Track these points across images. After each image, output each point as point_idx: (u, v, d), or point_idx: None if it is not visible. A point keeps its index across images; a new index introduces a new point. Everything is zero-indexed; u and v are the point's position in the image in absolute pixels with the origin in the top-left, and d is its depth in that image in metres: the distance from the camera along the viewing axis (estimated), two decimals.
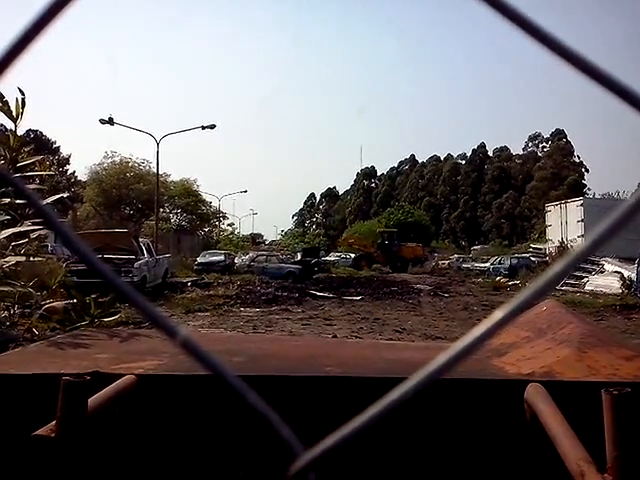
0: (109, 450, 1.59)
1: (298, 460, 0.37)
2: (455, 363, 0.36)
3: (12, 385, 1.64)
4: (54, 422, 1.24)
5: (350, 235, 48.05)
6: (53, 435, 1.22)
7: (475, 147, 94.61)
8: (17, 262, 3.21)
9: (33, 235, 3.34)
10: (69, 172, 56.32)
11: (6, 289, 3.15)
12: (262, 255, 32.83)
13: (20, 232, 3.28)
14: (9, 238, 3.30)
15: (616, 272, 21.24)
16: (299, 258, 33.25)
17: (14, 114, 3.21)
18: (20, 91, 3.22)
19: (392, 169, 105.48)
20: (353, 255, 41.59)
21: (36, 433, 1.23)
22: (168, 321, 0.39)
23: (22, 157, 3.36)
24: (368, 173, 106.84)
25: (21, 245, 3.48)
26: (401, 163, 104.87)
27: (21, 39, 0.38)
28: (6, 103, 3.17)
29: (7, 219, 3.22)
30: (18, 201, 3.08)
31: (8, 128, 3.41)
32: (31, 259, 3.43)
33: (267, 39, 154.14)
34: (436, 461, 1.65)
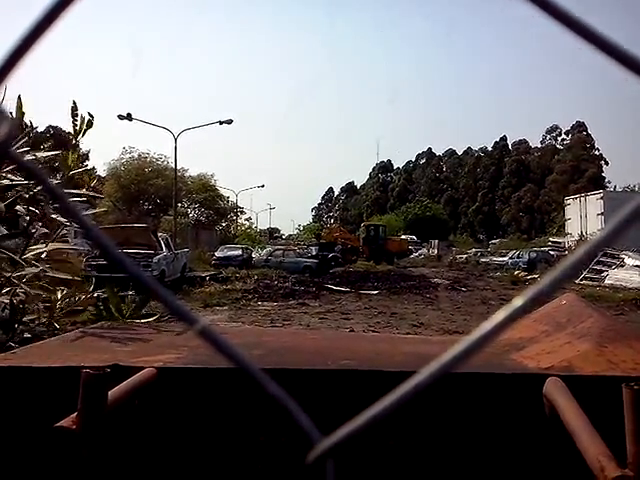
0: (129, 442, 1.61)
1: (316, 447, 0.37)
2: (472, 353, 0.36)
3: (34, 377, 1.67)
4: (75, 414, 1.26)
5: (334, 229, 47.73)
6: (74, 427, 1.24)
7: (497, 139, 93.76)
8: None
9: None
10: (88, 167, 56.93)
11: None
12: (279, 249, 32.89)
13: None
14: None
15: (636, 266, 20.95)
16: (314, 253, 33.22)
17: (77, 129, 3.22)
18: (90, 115, 3.26)
19: (409, 162, 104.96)
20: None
21: (58, 425, 1.25)
22: (188, 311, 0.40)
23: (80, 177, 3.37)
24: (384, 167, 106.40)
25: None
26: (418, 156, 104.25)
27: (28, 36, 0.39)
28: (76, 115, 3.18)
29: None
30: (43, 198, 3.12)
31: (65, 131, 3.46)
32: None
33: (283, 33, 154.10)
34: (453, 454, 1.64)
